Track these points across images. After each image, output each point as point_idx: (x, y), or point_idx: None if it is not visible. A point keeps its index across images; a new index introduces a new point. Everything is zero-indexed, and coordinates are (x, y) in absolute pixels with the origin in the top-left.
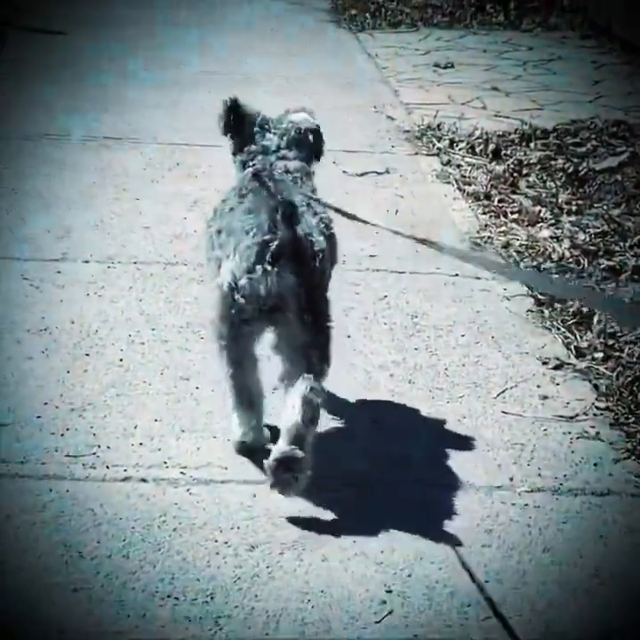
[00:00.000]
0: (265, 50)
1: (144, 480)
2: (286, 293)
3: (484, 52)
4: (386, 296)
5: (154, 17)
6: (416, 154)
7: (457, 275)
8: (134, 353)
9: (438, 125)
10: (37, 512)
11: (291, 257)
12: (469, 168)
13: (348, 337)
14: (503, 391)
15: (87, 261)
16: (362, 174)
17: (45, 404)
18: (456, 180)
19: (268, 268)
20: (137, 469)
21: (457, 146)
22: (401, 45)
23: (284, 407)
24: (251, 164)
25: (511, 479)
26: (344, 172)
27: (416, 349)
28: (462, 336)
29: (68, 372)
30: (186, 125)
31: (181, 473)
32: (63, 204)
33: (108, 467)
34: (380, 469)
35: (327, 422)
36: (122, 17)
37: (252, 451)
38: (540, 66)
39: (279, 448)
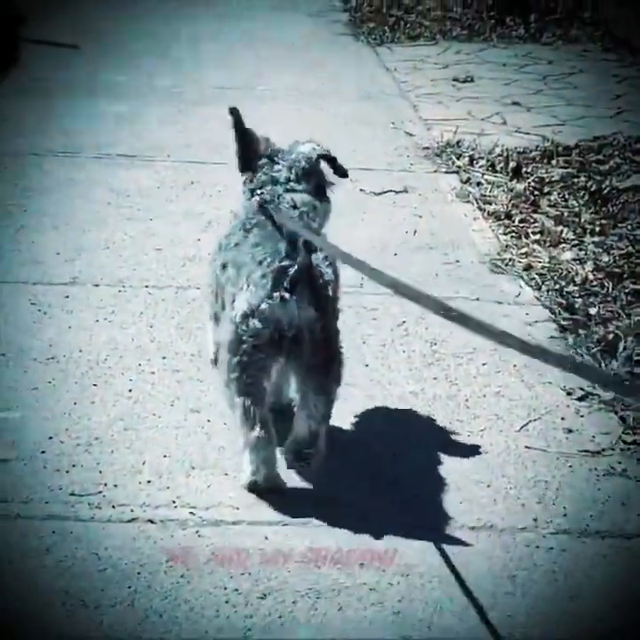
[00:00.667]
0: (282, 64)
1: (151, 521)
2: (305, 324)
3: (503, 65)
4: (404, 322)
5: (169, 31)
6: (435, 171)
7: (478, 299)
8: (144, 383)
9: (458, 142)
10: (39, 556)
11: (306, 285)
12: (490, 186)
13: (366, 366)
14: (526, 424)
15: (97, 285)
16: (380, 193)
17: (50, 438)
18: (476, 199)
19: (286, 295)
20: (144, 509)
21: (477, 163)
22: (420, 59)
23: (295, 424)
24: (258, 193)
25: (535, 520)
26: (361, 190)
27: (435, 379)
28: (483, 365)
29: (75, 403)
30: (200, 142)
31: (191, 513)
32: (74, 224)
33: (113, 506)
34: (397, 508)
35: (343, 456)
36: (137, 30)
37: (266, 490)
38: (561, 80)
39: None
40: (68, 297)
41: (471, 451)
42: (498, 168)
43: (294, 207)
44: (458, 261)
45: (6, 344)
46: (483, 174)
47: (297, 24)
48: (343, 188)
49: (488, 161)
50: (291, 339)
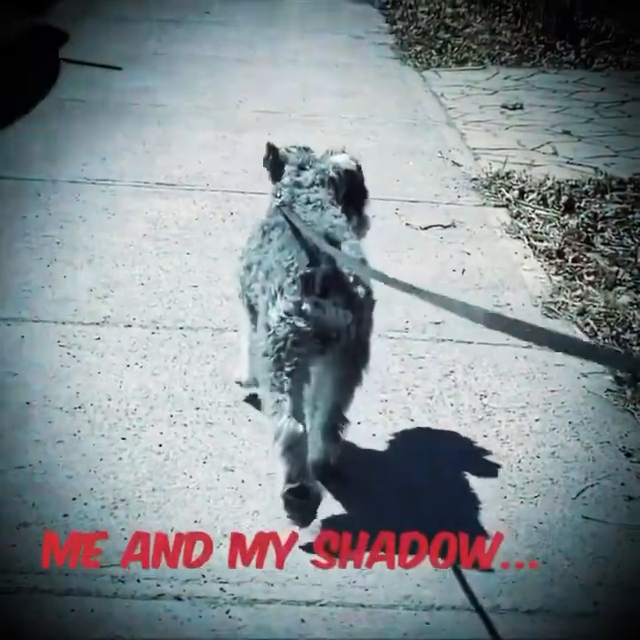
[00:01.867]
0: (326, 87)
1: (178, 598)
2: (342, 326)
3: (553, 92)
4: (452, 371)
5: (211, 53)
6: (483, 205)
7: (530, 346)
8: (175, 437)
9: (507, 174)
10: (55, 636)
11: (337, 288)
12: (541, 222)
13: (412, 420)
14: (583, 490)
15: (130, 325)
16: (426, 228)
17: (74, 499)
18: (527, 236)
19: (320, 300)
20: (171, 584)
21: (527, 197)
22: (467, 84)
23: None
24: (278, 195)
25: (596, 604)
26: (407, 224)
27: (485, 436)
28: (536, 420)
29: (102, 459)
30: (242, 170)
31: (221, 589)
32: (108, 257)
33: (138, 580)
34: (446, 586)
35: (387, 518)
36: (179, 53)
37: (303, 498)
38: (613, 108)
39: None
40: (98, 338)
41: (525, 520)
42: (549, 202)
43: (308, 203)
44: (508, 304)
45: (32, 390)
46: (533, 209)
47: (342, 46)
48: (389, 222)
49: (539, 194)
50: (332, 338)
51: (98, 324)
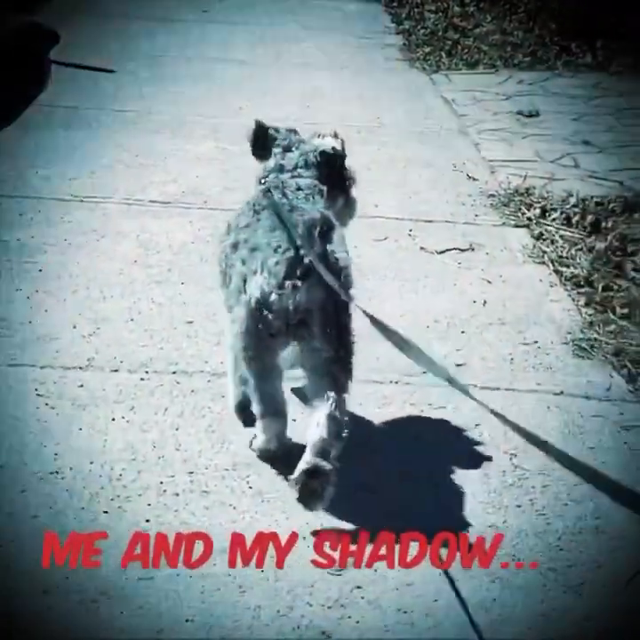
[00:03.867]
0: (332, 92)
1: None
2: (313, 307)
3: (571, 97)
4: (478, 425)
5: (210, 54)
6: (503, 225)
7: (562, 393)
8: (165, 510)
9: (527, 189)
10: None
11: (319, 274)
12: (566, 245)
13: (436, 486)
14: (635, 575)
15: (116, 370)
16: (442, 251)
17: (45, 592)
18: (552, 261)
19: (299, 283)
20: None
21: (549, 216)
22: (480, 88)
23: (310, 424)
24: (263, 180)
25: None
26: (422, 248)
27: (519, 507)
28: (575, 486)
29: (81, 543)
30: (240, 185)
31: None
32: (95, 287)
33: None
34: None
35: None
36: (176, 54)
37: (276, 457)
38: (635, 115)
39: (306, 460)
40: (81, 386)
41: (570, 612)
42: (574, 222)
43: (299, 189)
44: (536, 342)
45: (4, 451)
46: (557, 229)
47: (348, 47)
48: (403, 245)
49: (562, 213)
50: (300, 322)
51: (81, 368)
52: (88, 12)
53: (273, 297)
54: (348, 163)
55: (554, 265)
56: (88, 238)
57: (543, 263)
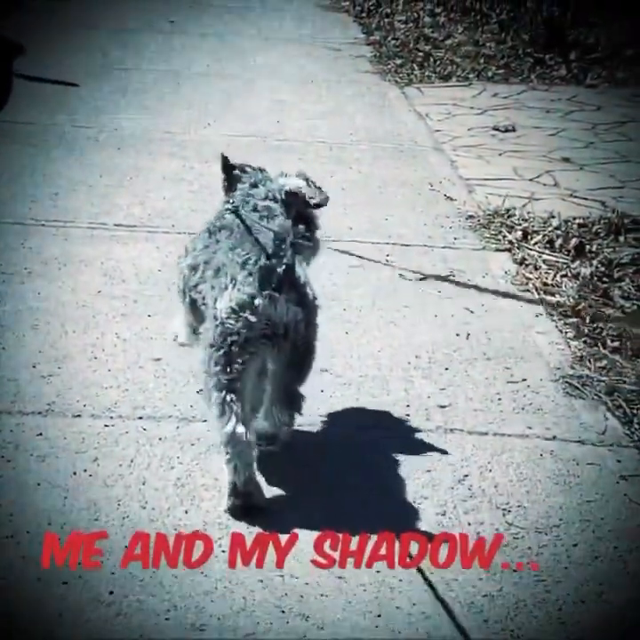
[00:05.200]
0: (302, 106)
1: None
2: (291, 322)
3: (546, 112)
4: (467, 476)
5: (177, 67)
6: (483, 249)
7: (554, 437)
8: (129, 580)
9: (507, 210)
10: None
11: (291, 284)
12: (551, 271)
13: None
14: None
15: (79, 415)
16: (422, 279)
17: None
18: (536, 288)
19: (275, 294)
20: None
21: (532, 239)
22: (453, 102)
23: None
24: (231, 201)
25: None
26: (400, 275)
27: (515, 573)
28: (574, 546)
29: (34, 622)
30: (209, 207)
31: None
32: (57, 322)
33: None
34: None
35: None
36: (142, 66)
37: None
38: (612, 130)
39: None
40: (40, 434)
41: None
42: (557, 245)
43: (255, 210)
44: (524, 379)
45: None
46: (540, 254)
47: (318, 59)
48: (381, 273)
49: (545, 236)
50: (280, 335)
51: (40, 413)
52: (53, 23)
53: (257, 301)
54: (313, 202)
55: (538, 293)
56: (49, 267)
57: (527, 291)
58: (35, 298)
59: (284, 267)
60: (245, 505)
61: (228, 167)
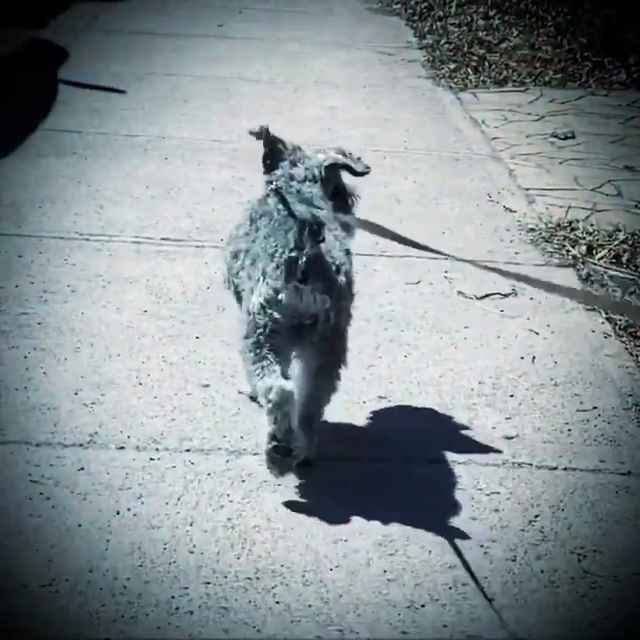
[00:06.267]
0: (354, 113)
1: None
2: (319, 311)
3: (606, 118)
4: (537, 516)
5: (226, 73)
6: (546, 264)
7: (630, 473)
8: (177, 633)
9: (570, 223)
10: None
11: (318, 273)
12: (618, 289)
13: (491, 601)
14: None
15: (122, 447)
16: (482, 297)
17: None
18: (603, 308)
19: (300, 285)
20: None
21: (597, 253)
22: (510, 108)
23: None
24: (275, 182)
25: None
26: (460, 293)
27: (592, 626)
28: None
29: None
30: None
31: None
32: (100, 344)
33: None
34: None
35: None
36: (190, 72)
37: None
38: None
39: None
40: (81, 469)
41: None
42: (624, 260)
43: (297, 192)
44: (595, 407)
45: None
46: (605, 269)
47: (369, 64)
48: (438, 289)
49: (610, 251)
50: (308, 326)
51: (82, 445)
52: (97, 28)
53: (280, 296)
54: (358, 171)
55: (606, 312)
56: (93, 284)
57: (594, 310)
58: (77, 318)
59: (310, 256)
60: (284, 451)
61: (271, 141)
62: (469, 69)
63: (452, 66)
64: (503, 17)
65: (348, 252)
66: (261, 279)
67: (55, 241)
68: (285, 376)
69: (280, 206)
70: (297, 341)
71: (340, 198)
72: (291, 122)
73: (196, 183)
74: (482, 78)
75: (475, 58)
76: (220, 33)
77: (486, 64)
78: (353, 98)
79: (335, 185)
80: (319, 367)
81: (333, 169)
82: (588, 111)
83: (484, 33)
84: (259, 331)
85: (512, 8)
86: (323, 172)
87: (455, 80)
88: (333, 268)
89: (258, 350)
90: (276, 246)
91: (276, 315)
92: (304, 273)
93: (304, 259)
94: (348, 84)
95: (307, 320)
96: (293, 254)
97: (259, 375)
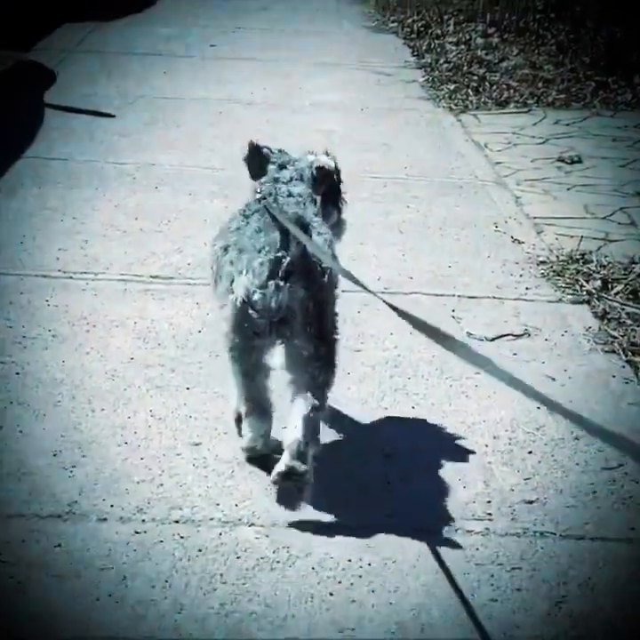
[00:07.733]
0: (353, 137)
1: None
2: (294, 305)
3: (613, 140)
4: (565, 597)
5: (218, 95)
6: (559, 301)
7: None
8: None
9: (582, 255)
10: None
11: (301, 273)
12: (638, 328)
13: None
14: None
15: (104, 519)
16: (493, 339)
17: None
18: (622, 349)
19: (281, 283)
20: None
21: (612, 288)
22: (513, 131)
23: (288, 424)
24: (259, 189)
25: None
26: (469, 334)
27: None
28: None
29: None
30: None
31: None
32: (82, 397)
33: None
34: None
35: None
36: (181, 95)
37: (261, 456)
38: None
39: (283, 461)
40: (58, 546)
41: None
42: None
43: (290, 195)
44: (621, 465)
45: None
46: (622, 306)
47: (367, 85)
48: (446, 330)
49: (627, 286)
50: (279, 322)
51: (60, 516)
52: (85, 49)
53: (256, 296)
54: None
55: (626, 353)
56: (76, 328)
57: (613, 352)
58: (58, 368)
59: (291, 259)
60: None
61: (256, 150)
62: (470, 90)
63: (452, 86)
64: (502, 35)
65: (331, 248)
66: (244, 271)
67: (37, 279)
68: (261, 403)
69: (273, 205)
70: (281, 338)
71: (331, 198)
72: (287, 146)
73: (188, 214)
74: (483, 99)
75: (475, 78)
76: (212, 53)
77: (487, 84)
78: (351, 121)
79: (327, 186)
80: (313, 353)
81: (324, 170)
82: (594, 133)
83: (483, 52)
84: (240, 329)
85: (511, 26)
86: (314, 173)
87: (455, 101)
88: (318, 267)
89: (242, 364)
90: (265, 244)
91: (253, 314)
92: (286, 272)
93: (288, 259)
94: (345, 107)
95: (277, 316)
96: (278, 255)
97: (244, 417)
